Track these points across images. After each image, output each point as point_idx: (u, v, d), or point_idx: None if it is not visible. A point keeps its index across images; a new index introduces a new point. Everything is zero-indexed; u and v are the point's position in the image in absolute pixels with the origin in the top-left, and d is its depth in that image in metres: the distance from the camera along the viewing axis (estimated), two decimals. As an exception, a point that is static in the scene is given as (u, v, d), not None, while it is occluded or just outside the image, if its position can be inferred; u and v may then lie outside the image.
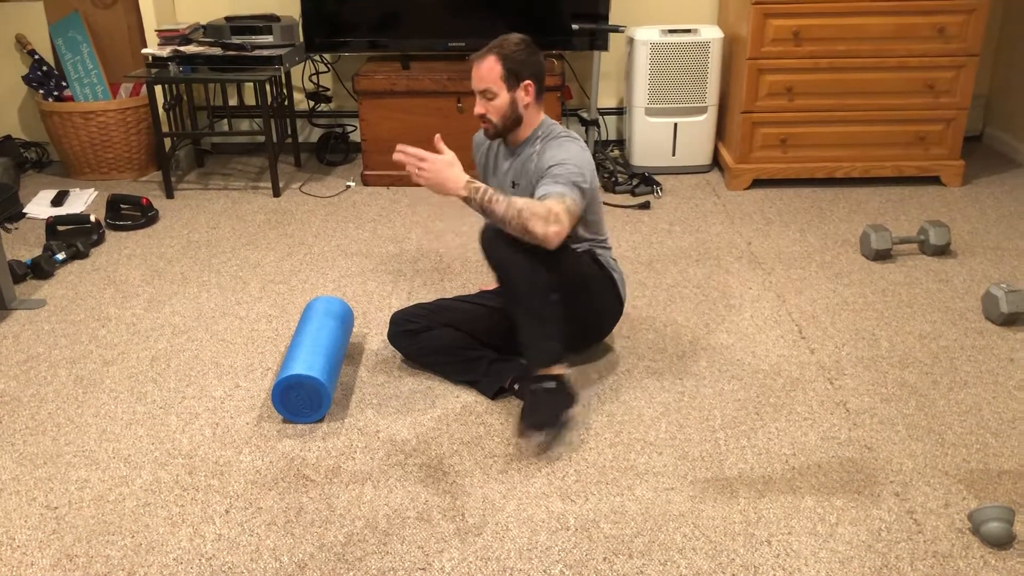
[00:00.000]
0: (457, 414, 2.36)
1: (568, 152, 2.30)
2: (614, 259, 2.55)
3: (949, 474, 2.10)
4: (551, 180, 2.24)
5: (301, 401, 2.30)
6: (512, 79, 2.32)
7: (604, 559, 1.86)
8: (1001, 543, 1.87)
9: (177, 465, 2.18)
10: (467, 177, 2.16)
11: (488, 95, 2.33)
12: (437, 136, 2.26)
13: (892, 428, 2.27)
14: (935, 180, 3.97)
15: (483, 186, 2.16)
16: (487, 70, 2.32)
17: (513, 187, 2.44)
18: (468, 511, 2.01)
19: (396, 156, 2.19)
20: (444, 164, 2.16)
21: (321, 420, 2.34)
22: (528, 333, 2.21)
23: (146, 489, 2.10)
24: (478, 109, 2.36)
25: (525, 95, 2.35)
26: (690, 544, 1.90)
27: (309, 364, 2.30)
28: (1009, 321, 2.75)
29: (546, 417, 2.20)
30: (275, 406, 2.31)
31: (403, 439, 2.26)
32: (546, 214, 2.11)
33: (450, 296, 2.69)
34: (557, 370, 2.21)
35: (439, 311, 2.50)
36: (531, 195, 2.29)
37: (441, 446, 2.23)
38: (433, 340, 2.46)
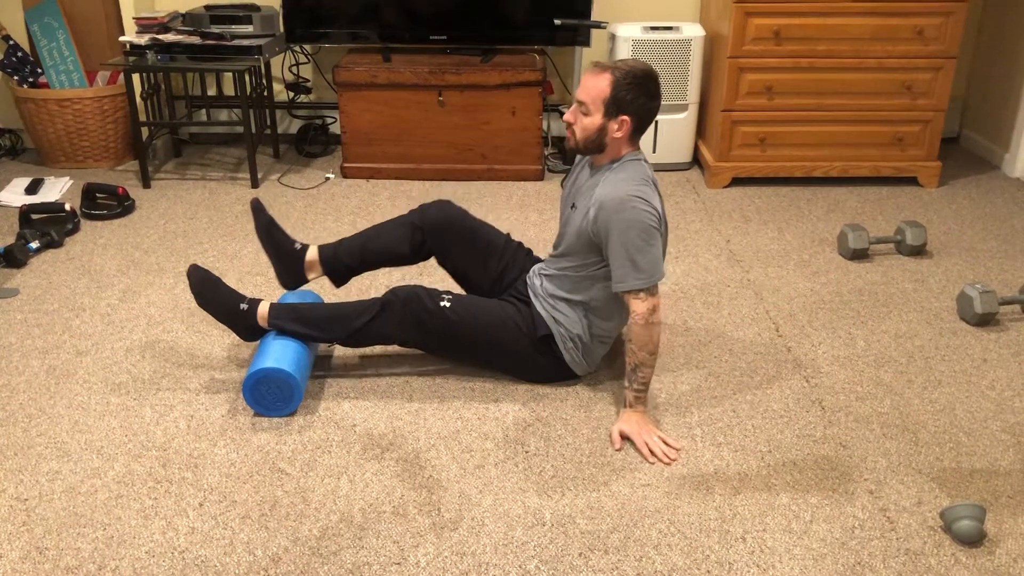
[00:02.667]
0: (435, 408, 2.35)
1: (628, 214, 2.16)
2: (602, 337, 2.42)
3: (922, 472, 2.12)
4: (629, 271, 2.18)
5: (272, 395, 2.28)
6: (612, 108, 2.18)
7: (580, 555, 1.86)
8: (972, 541, 1.88)
9: (151, 457, 2.16)
10: (636, 410, 2.26)
11: (583, 109, 2.21)
12: (616, 437, 2.23)
13: (867, 426, 2.29)
14: (912, 181, 4.00)
15: (635, 396, 2.25)
16: (595, 86, 2.19)
17: (572, 208, 2.35)
18: (444, 506, 2.00)
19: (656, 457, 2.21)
20: (644, 430, 2.23)
21: (294, 413, 2.32)
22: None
23: (119, 481, 2.08)
24: (568, 116, 2.26)
25: (617, 129, 2.20)
26: (665, 540, 1.90)
27: (277, 357, 2.29)
28: (983, 321, 2.77)
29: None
30: (247, 401, 2.29)
31: (380, 433, 2.25)
32: (650, 339, 2.21)
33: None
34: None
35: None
36: (585, 226, 2.25)
37: (418, 440, 2.23)
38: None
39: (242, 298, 2.43)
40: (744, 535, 1.92)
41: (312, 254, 2.54)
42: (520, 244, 2.61)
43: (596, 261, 2.30)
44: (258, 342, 2.53)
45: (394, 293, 2.37)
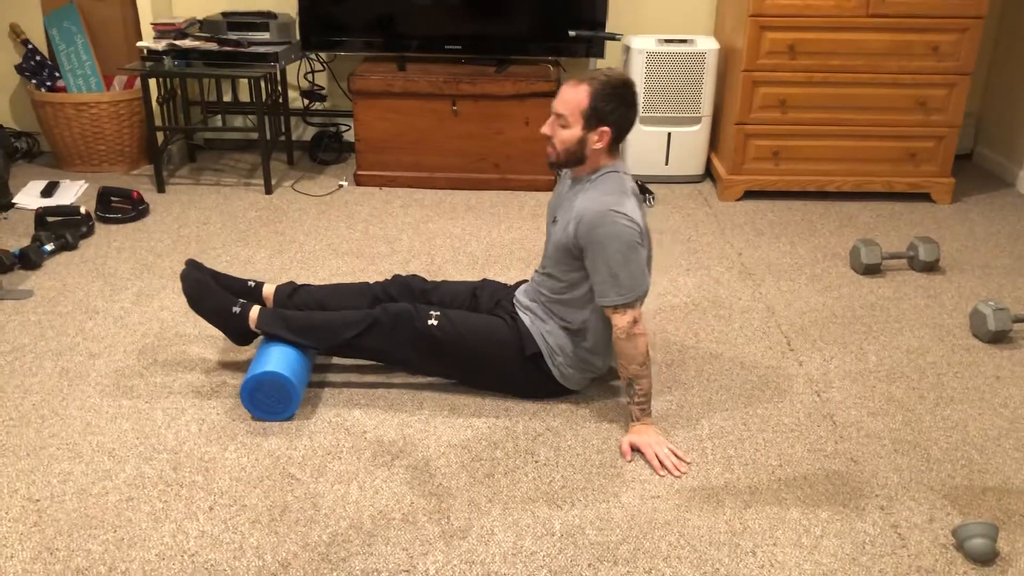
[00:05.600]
0: (445, 416, 2.35)
1: (609, 228, 2.16)
2: (587, 351, 2.36)
3: (934, 489, 2.11)
4: (610, 286, 2.19)
5: (270, 399, 2.29)
6: (592, 120, 2.18)
7: (589, 565, 1.86)
8: (984, 559, 1.87)
9: (161, 460, 2.17)
10: (643, 422, 2.26)
11: (562, 121, 2.20)
12: (626, 449, 2.22)
13: (878, 442, 2.28)
14: (925, 197, 3.99)
15: (639, 409, 2.25)
16: (572, 98, 2.18)
17: (554, 222, 2.34)
18: (453, 514, 2.00)
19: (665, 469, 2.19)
20: (654, 441, 2.22)
21: (303, 418, 2.33)
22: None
23: (129, 484, 2.08)
24: (546, 129, 2.25)
25: (597, 140, 2.19)
26: (675, 552, 1.90)
27: (272, 362, 2.30)
28: (996, 338, 2.76)
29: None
30: (247, 408, 2.31)
31: (390, 440, 2.26)
32: (636, 351, 2.21)
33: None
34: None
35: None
36: (565, 239, 2.23)
37: (428, 448, 2.23)
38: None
39: (235, 301, 2.44)
40: (754, 549, 1.91)
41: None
42: (486, 281, 2.62)
43: (578, 280, 2.28)
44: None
45: (384, 310, 2.38)
